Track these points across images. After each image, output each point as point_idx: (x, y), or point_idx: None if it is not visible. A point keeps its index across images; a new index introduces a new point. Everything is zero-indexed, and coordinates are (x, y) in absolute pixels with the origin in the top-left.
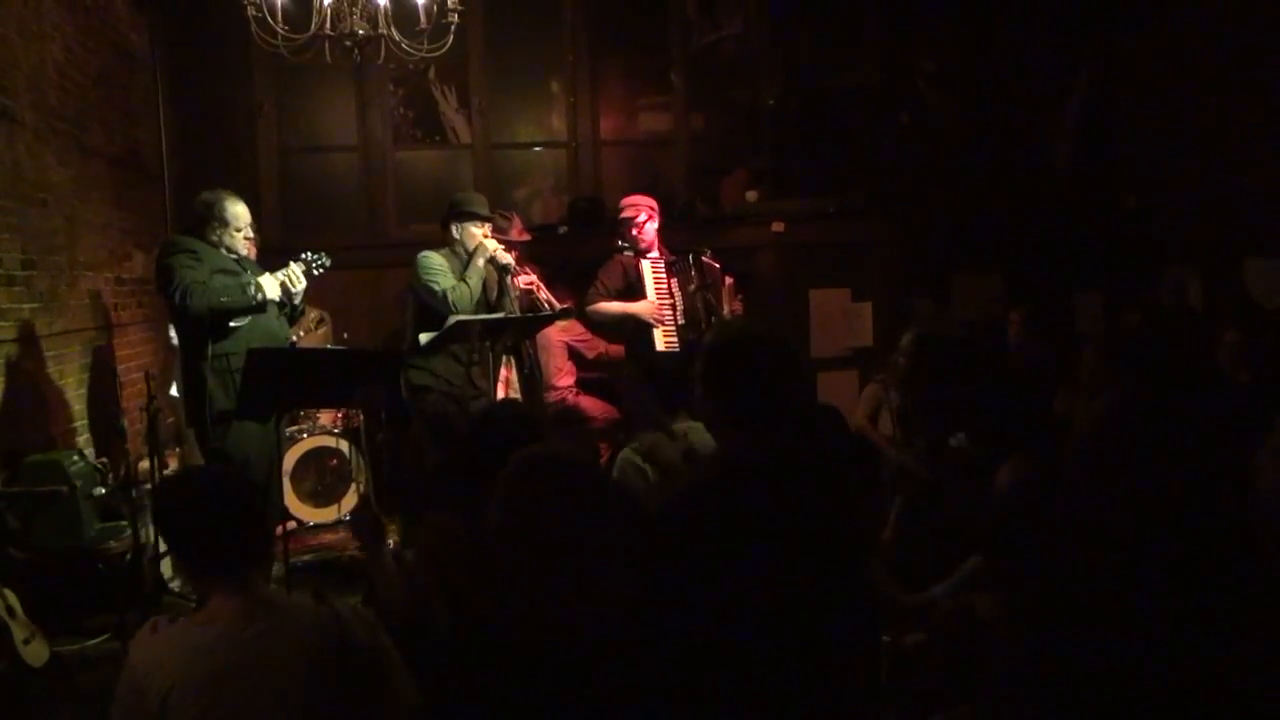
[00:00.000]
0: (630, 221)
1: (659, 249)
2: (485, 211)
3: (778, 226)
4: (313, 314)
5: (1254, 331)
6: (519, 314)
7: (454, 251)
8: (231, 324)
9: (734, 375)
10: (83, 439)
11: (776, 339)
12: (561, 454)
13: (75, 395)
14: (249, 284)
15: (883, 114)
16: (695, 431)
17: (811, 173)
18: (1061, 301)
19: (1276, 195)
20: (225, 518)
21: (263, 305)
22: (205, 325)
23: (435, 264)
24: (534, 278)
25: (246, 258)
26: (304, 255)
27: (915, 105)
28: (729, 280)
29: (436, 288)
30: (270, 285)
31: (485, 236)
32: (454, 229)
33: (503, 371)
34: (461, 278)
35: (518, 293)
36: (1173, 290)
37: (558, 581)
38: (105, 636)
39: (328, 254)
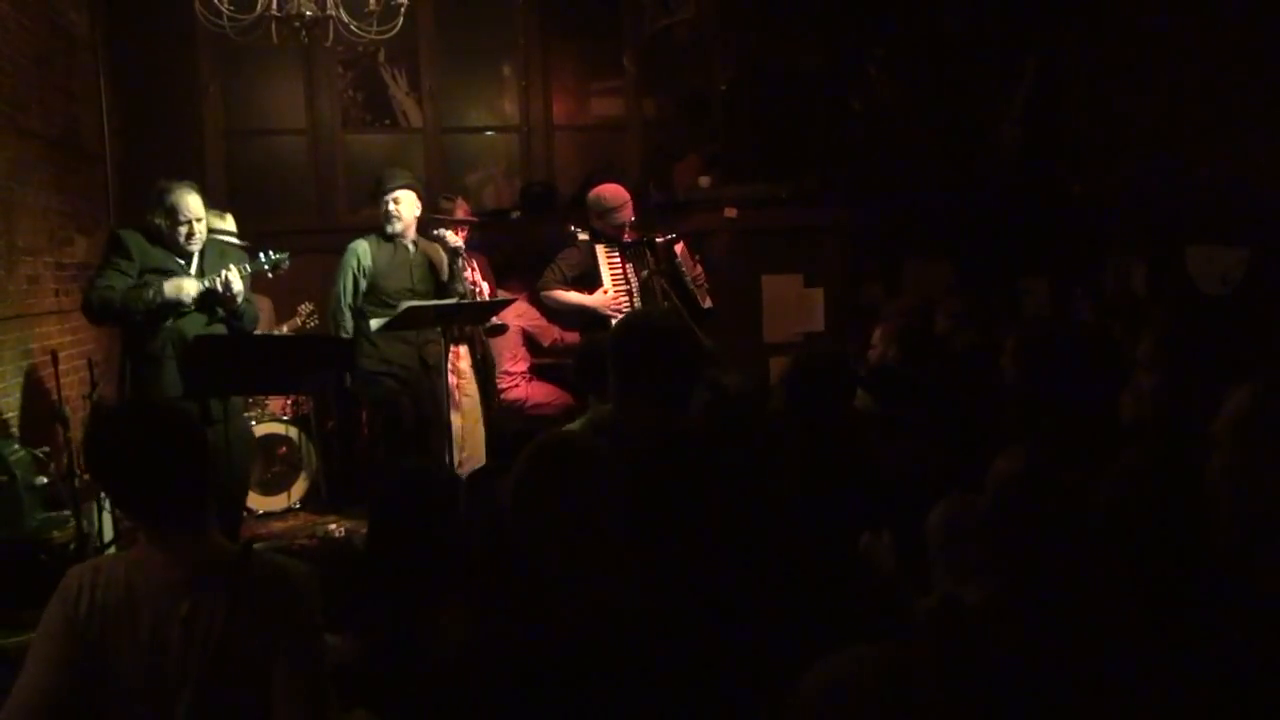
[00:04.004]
0: (626, 221)
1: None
2: (388, 184)
3: (730, 212)
4: (304, 307)
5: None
6: (470, 299)
7: (383, 235)
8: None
9: (634, 358)
10: (21, 428)
11: (679, 327)
12: (575, 439)
13: (14, 384)
14: (149, 288)
15: (834, 100)
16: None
17: (764, 158)
18: (1007, 288)
19: (1220, 183)
20: (161, 458)
21: (166, 307)
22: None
23: (351, 260)
24: (477, 277)
25: (206, 253)
26: (263, 255)
27: (866, 91)
28: (680, 247)
29: (334, 294)
30: (190, 286)
31: (394, 205)
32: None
33: (452, 359)
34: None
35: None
36: (1117, 277)
37: (570, 564)
38: None
39: (280, 244)
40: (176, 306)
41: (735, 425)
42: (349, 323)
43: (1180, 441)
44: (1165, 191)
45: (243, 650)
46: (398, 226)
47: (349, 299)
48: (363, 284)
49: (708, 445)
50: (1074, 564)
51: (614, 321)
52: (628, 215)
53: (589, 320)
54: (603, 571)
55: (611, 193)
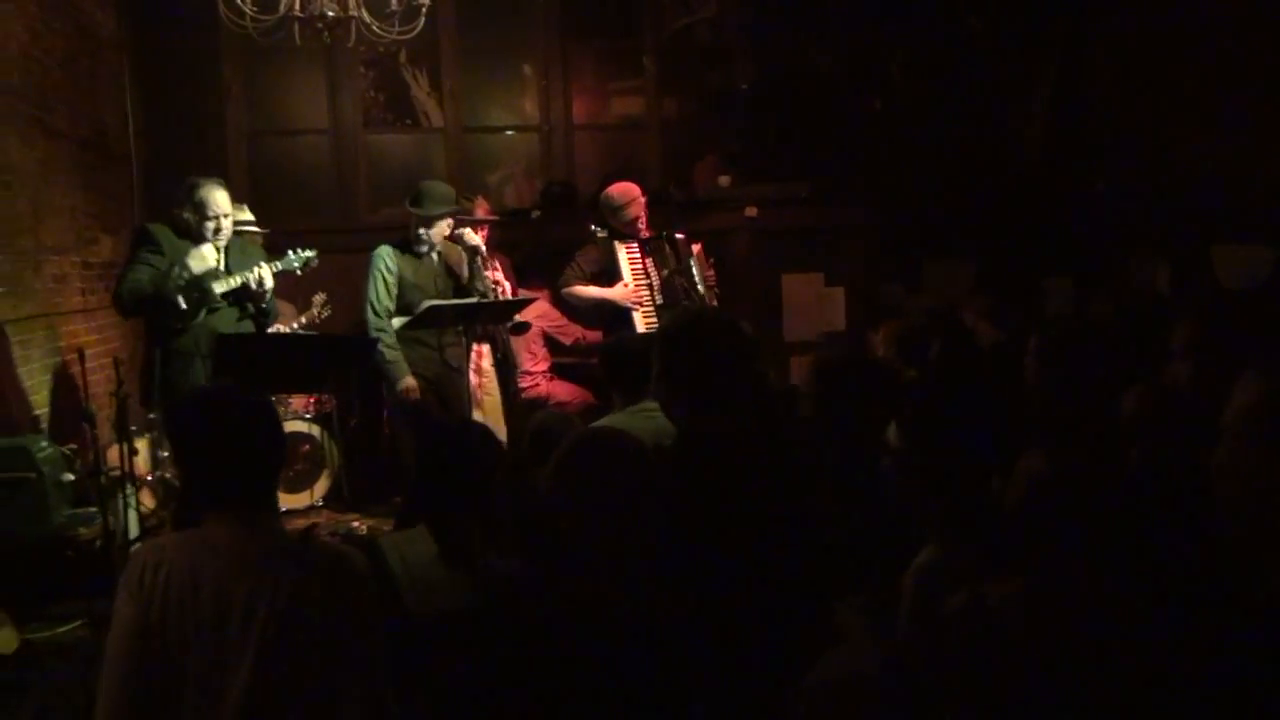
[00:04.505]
0: (635, 216)
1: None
2: (431, 211)
3: (751, 211)
4: (318, 298)
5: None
6: (492, 298)
7: (409, 245)
8: (174, 321)
9: (686, 358)
10: (49, 425)
11: (728, 323)
12: (616, 431)
13: (41, 381)
14: (175, 266)
15: (855, 99)
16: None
17: (784, 158)
18: (1032, 287)
19: (1245, 180)
20: (243, 443)
21: (195, 295)
22: (155, 318)
23: (382, 264)
24: (499, 276)
25: (230, 248)
26: (291, 253)
27: (887, 91)
28: (697, 247)
29: (368, 306)
30: (209, 254)
31: (430, 231)
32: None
33: (474, 358)
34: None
35: (488, 274)
36: (1141, 276)
37: (607, 553)
38: (76, 624)
39: (305, 243)
40: (204, 288)
41: (779, 425)
42: (389, 326)
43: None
44: (1190, 190)
45: (302, 633)
46: (425, 249)
47: (384, 301)
48: (393, 287)
49: (757, 444)
50: (1098, 562)
51: (635, 315)
52: (636, 211)
53: (610, 316)
54: (639, 562)
55: (619, 190)
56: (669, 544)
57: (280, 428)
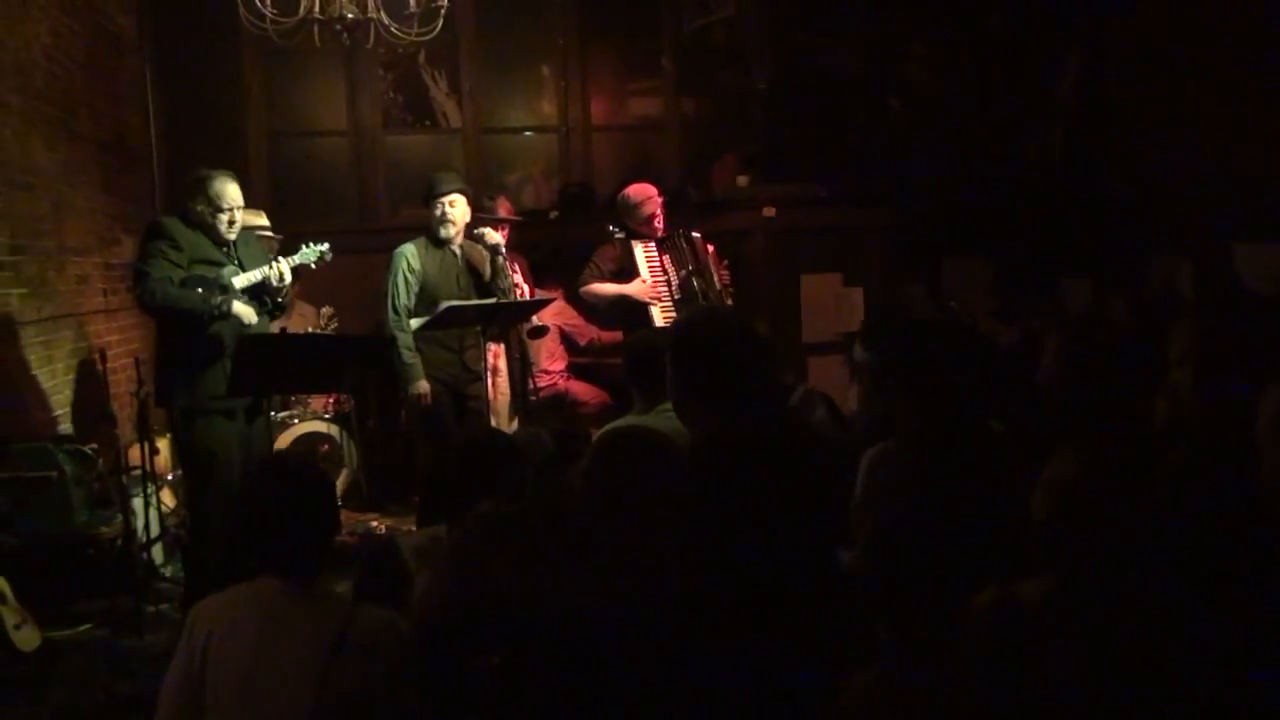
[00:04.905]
0: (651, 214)
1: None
2: (443, 187)
3: (769, 211)
4: (325, 310)
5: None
6: (511, 298)
7: (431, 239)
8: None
9: (700, 358)
10: (71, 425)
11: (743, 323)
12: (651, 429)
13: (64, 381)
14: (214, 295)
15: (874, 98)
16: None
17: (803, 157)
18: (1049, 288)
19: (1268, 179)
20: (301, 520)
21: (223, 315)
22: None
23: (403, 264)
24: (519, 279)
25: (237, 242)
26: (305, 247)
27: (906, 90)
28: (711, 249)
29: (388, 304)
30: (242, 280)
31: (449, 209)
32: (430, 210)
33: (490, 358)
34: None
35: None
36: (1162, 277)
37: (639, 548)
38: (94, 625)
39: (321, 240)
40: (227, 289)
41: (797, 428)
42: (407, 326)
43: (1222, 440)
44: (1212, 189)
45: (341, 691)
46: (451, 231)
47: (404, 299)
48: (414, 285)
49: (771, 447)
50: (1131, 563)
51: (654, 310)
52: (652, 210)
53: (629, 314)
54: (670, 557)
55: (635, 190)
56: (695, 543)
57: (332, 498)
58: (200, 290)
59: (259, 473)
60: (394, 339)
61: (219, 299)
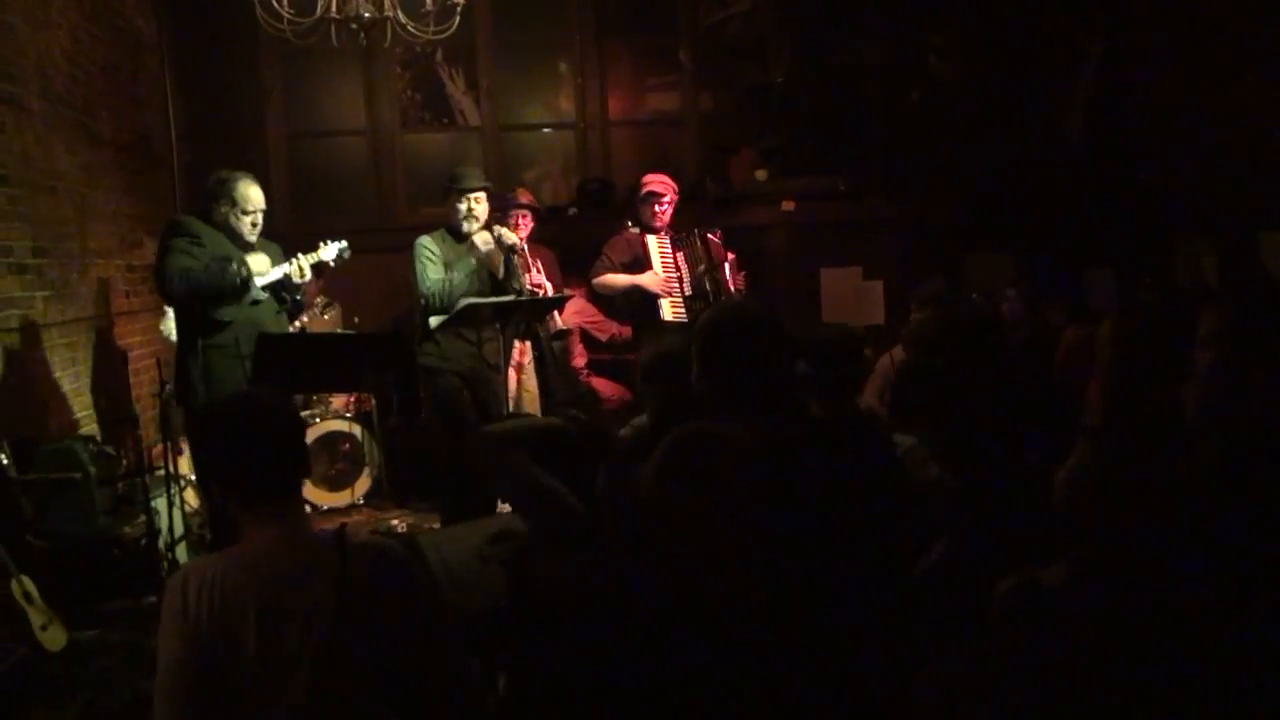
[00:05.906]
0: (656, 198)
1: (666, 229)
2: (472, 184)
3: (788, 205)
4: (319, 299)
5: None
6: (527, 296)
7: (449, 231)
8: (218, 316)
9: (728, 354)
10: (95, 426)
11: (771, 318)
12: (721, 429)
13: (87, 382)
14: (233, 261)
15: (892, 91)
16: None
17: (822, 151)
18: (1073, 278)
19: None
20: (264, 443)
21: (245, 285)
22: (196, 314)
23: (425, 251)
24: (541, 279)
25: (256, 243)
26: (323, 244)
27: (925, 82)
28: (730, 256)
29: (425, 281)
30: (261, 264)
31: (475, 205)
32: (451, 203)
33: (516, 355)
34: (447, 265)
35: (527, 276)
36: (1187, 266)
37: (709, 551)
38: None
39: (341, 239)
40: (246, 285)
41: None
42: (445, 292)
43: (1246, 428)
44: (1236, 176)
45: (356, 640)
46: (474, 226)
47: (434, 274)
48: (440, 265)
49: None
50: (1158, 552)
51: (663, 303)
52: (666, 201)
53: (638, 305)
54: (741, 559)
55: (646, 179)
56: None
57: (300, 422)
58: (216, 265)
59: (212, 413)
60: (427, 334)
61: (236, 266)
